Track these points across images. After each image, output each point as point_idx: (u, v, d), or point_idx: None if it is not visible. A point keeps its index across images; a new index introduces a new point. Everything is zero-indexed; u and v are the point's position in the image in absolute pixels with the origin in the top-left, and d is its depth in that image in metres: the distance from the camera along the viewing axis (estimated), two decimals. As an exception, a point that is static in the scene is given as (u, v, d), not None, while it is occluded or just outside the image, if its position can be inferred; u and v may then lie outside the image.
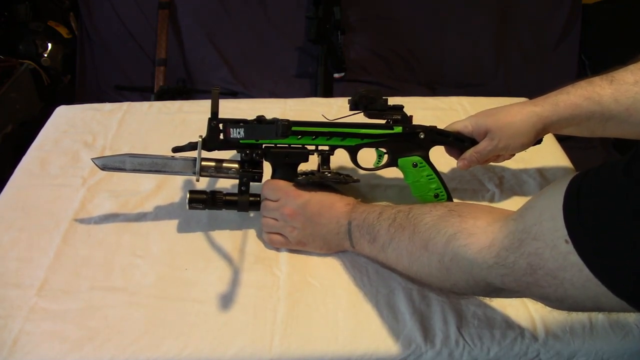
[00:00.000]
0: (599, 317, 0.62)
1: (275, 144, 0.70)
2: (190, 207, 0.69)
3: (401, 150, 0.74)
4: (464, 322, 0.62)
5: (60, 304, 0.64)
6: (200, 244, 0.73)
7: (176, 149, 0.69)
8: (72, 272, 0.68)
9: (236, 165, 0.70)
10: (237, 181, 0.71)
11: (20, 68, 1.70)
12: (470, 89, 1.85)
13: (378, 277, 0.67)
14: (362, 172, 0.77)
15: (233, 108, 1.00)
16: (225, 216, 0.76)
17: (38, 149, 0.90)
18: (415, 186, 0.75)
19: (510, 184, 0.84)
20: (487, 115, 0.73)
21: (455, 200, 0.77)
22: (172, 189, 0.81)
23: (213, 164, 0.69)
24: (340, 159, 0.76)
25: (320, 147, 0.72)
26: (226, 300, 0.65)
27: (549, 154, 0.89)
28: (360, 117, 0.72)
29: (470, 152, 0.74)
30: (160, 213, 0.77)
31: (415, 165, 0.74)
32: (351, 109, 0.72)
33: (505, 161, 0.79)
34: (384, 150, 0.75)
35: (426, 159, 0.74)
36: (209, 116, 0.67)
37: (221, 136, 0.67)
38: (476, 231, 0.51)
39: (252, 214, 0.76)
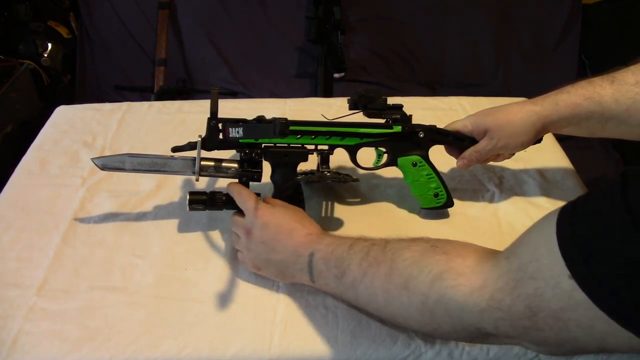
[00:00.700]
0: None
1: (275, 144, 0.70)
2: (191, 209, 0.69)
3: (401, 149, 0.74)
4: (463, 322, 0.62)
5: (59, 304, 0.64)
6: (199, 243, 0.73)
7: (175, 149, 0.68)
8: (71, 272, 0.68)
9: (235, 165, 0.70)
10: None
11: (20, 68, 1.70)
12: (470, 89, 1.84)
13: (378, 277, 0.67)
14: (361, 171, 0.77)
15: (232, 108, 1.00)
16: (224, 216, 0.75)
17: (38, 149, 0.90)
18: (415, 186, 0.75)
19: (510, 183, 0.84)
20: (487, 115, 0.73)
21: (455, 200, 0.77)
22: (171, 188, 0.81)
23: (212, 163, 0.69)
24: (339, 158, 0.76)
25: (319, 147, 0.72)
26: (226, 300, 0.65)
27: (549, 154, 0.89)
28: (359, 117, 0.72)
29: (469, 152, 0.74)
30: (160, 213, 0.77)
31: (414, 165, 0.74)
32: (350, 109, 0.72)
33: (505, 161, 0.79)
34: (384, 150, 0.75)
35: (426, 158, 0.74)
36: (209, 116, 0.67)
37: (220, 136, 0.67)
38: (465, 271, 0.47)
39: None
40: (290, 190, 0.71)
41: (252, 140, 0.68)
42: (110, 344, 0.60)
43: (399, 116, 0.72)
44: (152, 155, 0.69)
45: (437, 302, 0.48)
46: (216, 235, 0.74)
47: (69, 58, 1.92)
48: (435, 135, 0.74)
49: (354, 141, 0.72)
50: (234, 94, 1.88)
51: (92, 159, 0.69)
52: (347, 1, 1.87)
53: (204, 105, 0.98)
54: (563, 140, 0.91)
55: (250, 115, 0.69)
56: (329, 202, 0.79)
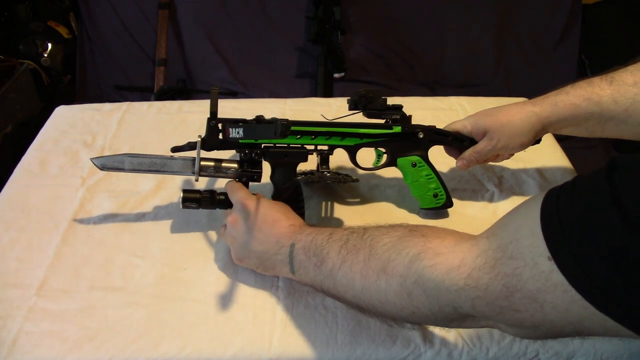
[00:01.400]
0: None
1: (275, 144, 0.70)
2: (184, 207, 0.68)
3: (400, 149, 0.74)
4: (463, 322, 0.62)
5: (59, 304, 0.64)
6: (199, 243, 0.73)
7: (175, 149, 0.68)
8: (71, 272, 0.68)
9: (235, 165, 0.70)
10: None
11: (20, 68, 1.70)
12: (469, 89, 1.85)
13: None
14: (361, 171, 0.77)
15: (232, 108, 1.00)
16: (224, 216, 0.76)
17: (38, 149, 0.90)
18: (415, 186, 0.75)
19: (509, 183, 0.84)
20: (486, 115, 0.73)
21: (454, 200, 0.77)
22: (171, 189, 0.81)
23: (212, 163, 0.69)
24: (339, 158, 0.76)
25: (319, 147, 0.72)
26: (225, 300, 0.65)
27: (549, 154, 0.89)
28: (359, 117, 0.72)
29: (469, 152, 0.74)
30: (160, 213, 0.77)
31: (414, 165, 0.74)
32: (350, 109, 0.72)
33: (505, 161, 0.79)
34: (383, 150, 0.75)
35: (425, 158, 0.75)
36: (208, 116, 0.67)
37: (220, 136, 0.67)
38: (443, 250, 0.46)
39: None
40: (290, 191, 0.71)
41: (252, 141, 0.68)
42: (110, 344, 0.60)
43: (398, 116, 0.72)
44: (152, 156, 0.70)
45: (415, 283, 0.47)
46: (216, 235, 0.74)
47: (69, 58, 1.92)
48: (434, 135, 0.74)
49: (354, 141, 0.72)
50: (234, 94, 1.88)
51: (92, 159, 0.69)
52: (347, 1, 1.87)
53: (204, 105, 0.98)
54: (563, 140, 0.91)
55: (250, 116, 0.69)
56: (329, 202, 0.79)
